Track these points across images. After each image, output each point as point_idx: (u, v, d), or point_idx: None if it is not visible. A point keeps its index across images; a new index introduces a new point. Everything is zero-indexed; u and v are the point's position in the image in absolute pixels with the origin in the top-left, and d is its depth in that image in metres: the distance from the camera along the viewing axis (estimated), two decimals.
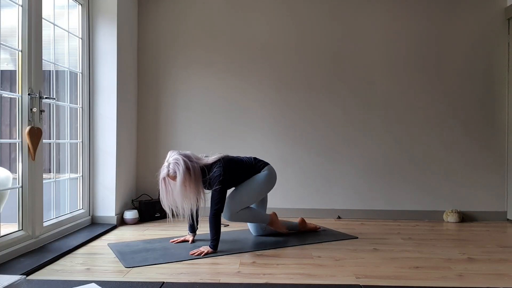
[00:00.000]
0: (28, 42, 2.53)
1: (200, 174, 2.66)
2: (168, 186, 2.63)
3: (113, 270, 2.27)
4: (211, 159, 2.77)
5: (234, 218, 2.85)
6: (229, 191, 2.96)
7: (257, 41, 3.89)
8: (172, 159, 2.61)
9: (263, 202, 3.07)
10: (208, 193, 2.76)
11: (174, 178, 2.60)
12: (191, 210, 2.69)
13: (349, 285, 2.04)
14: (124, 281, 2.08)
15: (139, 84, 3.96)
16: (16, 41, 2.52)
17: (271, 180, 2.95)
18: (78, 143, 3.34)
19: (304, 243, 2.88)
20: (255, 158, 2.99)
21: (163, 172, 2.62)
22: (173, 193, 2.62)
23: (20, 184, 2.54)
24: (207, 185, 2.73)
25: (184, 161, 2.60)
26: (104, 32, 3.42)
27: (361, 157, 3.84)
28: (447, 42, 3.80)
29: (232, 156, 2.89)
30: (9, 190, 3.06)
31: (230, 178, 2.76)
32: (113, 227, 3.34)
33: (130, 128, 3.77)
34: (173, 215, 2.69)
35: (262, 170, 2.93)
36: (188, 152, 2.70)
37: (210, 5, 3.92)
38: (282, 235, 3.09)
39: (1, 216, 2.75)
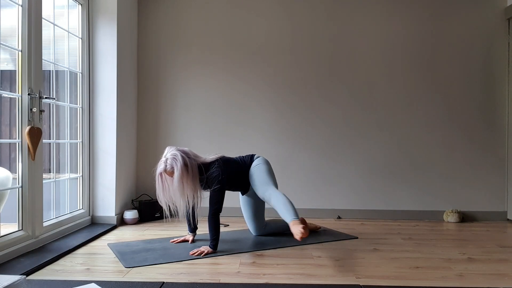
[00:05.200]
0: (28, 42, 2.53)
1: (198, 171, 2.65)
2: (165, 182, 2.62)
3: (113, 270, 2.27)
4: (208, 158, 2.77)
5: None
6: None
7: (257, 41, 3.89)
8: (170, 155, 2.59)
9: (261, 209, 3.05)
10: (205, 193, 2.76)
11: (171, 174, 2.58)
12: (188, 207, 2.69)
13: (349, 285, 2.04)
14: (124, 281, 2.08)
15: (139, 84, 3.96)
16: (16, 41, 2.52)
17: (265, 162, 2.91)
18: (78, 143, 3.35)
19: (304, 243, 2.87)
20: (245, 156, 2.98)
21: (160, 167, 2.59)
22: (169, 190, 2.60)
23: (20, 184, 2.54)
24: (204, 183, 2.71)
25: (182, 157, 2.58)
26: (104, 32, 3.42)
27: (361, 157, 3.84)
28: (447, 42, 3.80)
29: (229, 157, 2.89)
30: (9, 190, 3.05)
31: (228, 178, 2.76)
32: (113, 227, 3.34)
33: (130, 128, 3.77)
34: (169, 212, 2.68)
35: (252, 165, 2.89)
36: (186, 149, 2.69)
37: (209, 5, 3.92)
38: (282, 235, 3.09)
39: (1, 216, 2.75)
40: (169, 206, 2.66)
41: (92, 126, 3.44)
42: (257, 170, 2.83)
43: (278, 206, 2.59)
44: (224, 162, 2.77)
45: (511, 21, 3.75)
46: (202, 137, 3.91)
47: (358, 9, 3.85)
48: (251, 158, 2.96)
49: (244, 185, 2.93)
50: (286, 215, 2.52)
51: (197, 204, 2.70)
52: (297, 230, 2.38)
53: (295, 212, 2.54)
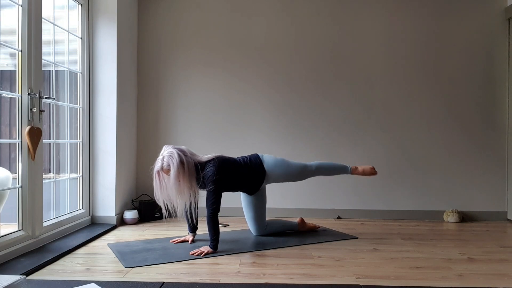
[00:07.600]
0: (28, 42, 2.53)
1: (194, 169, 2.66)
2: (162, 181, 2.62)
3: (113, 270, 2.27)
4: (205, 157, 2.76)
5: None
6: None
7: (257, 41, 3.89)
8: (166, 153, 2.61)
9: (263, 209, 3.04)
10: (202, 192, 2.75)
11: (167, 172, 2.59)
12: (186, 206, 2.69)
13: (349, 285, 2.04)
14: (124, 281, 2.08)
15: (139, 84, 3.96)
16: (16, 41, 2.52)
17: (276, 158, 2.97)
18: (78, 143, 3.35)
19: (304, 243, 2.88)
20: (249, 156, 2.95)
21: (157, 165, 2.61)
22: (166, 188, 2.61)
23: (20, 184, 2.54)
24: (200, 182, 2.71)
25: (179, 155, 2.59)
26: (104, 32, 3.42)
27: (361, 157, 3.84)
28: (447, 42, 3.80)
29: (227, 157, 2.86)
30: (9, 190, 3.05)
31: (224, 178, 2.72)
32: (113, 227, 3.34)
33: (130, 128, 3.77)
34: (167, 211, 2.68)
35: (266, 165, 2.90)
36: (183, 147, 2.70)
37: (210, 5, 3.92)
38: (282, 235, 3.09)
39: (1, 216, 2.75)
40: (166, 205, 2.66)
41: (92, 126, 3.44)
42: (280, 167, 2.91)
43: (329, 171, 3.05)
44: (220, 161, 2.75)
45: (511, 21, 3.75)
46: (202, 136, 3.92)
47: (359, 9, 3.85)
48: (258, 158, 2.93)
49: (249, 185, 2.90)
50: (342, 171, 3.06)
51: (194, 203, 2.70)
52: (368, 171, 3.06)
53: (343, 165, 3.09)
